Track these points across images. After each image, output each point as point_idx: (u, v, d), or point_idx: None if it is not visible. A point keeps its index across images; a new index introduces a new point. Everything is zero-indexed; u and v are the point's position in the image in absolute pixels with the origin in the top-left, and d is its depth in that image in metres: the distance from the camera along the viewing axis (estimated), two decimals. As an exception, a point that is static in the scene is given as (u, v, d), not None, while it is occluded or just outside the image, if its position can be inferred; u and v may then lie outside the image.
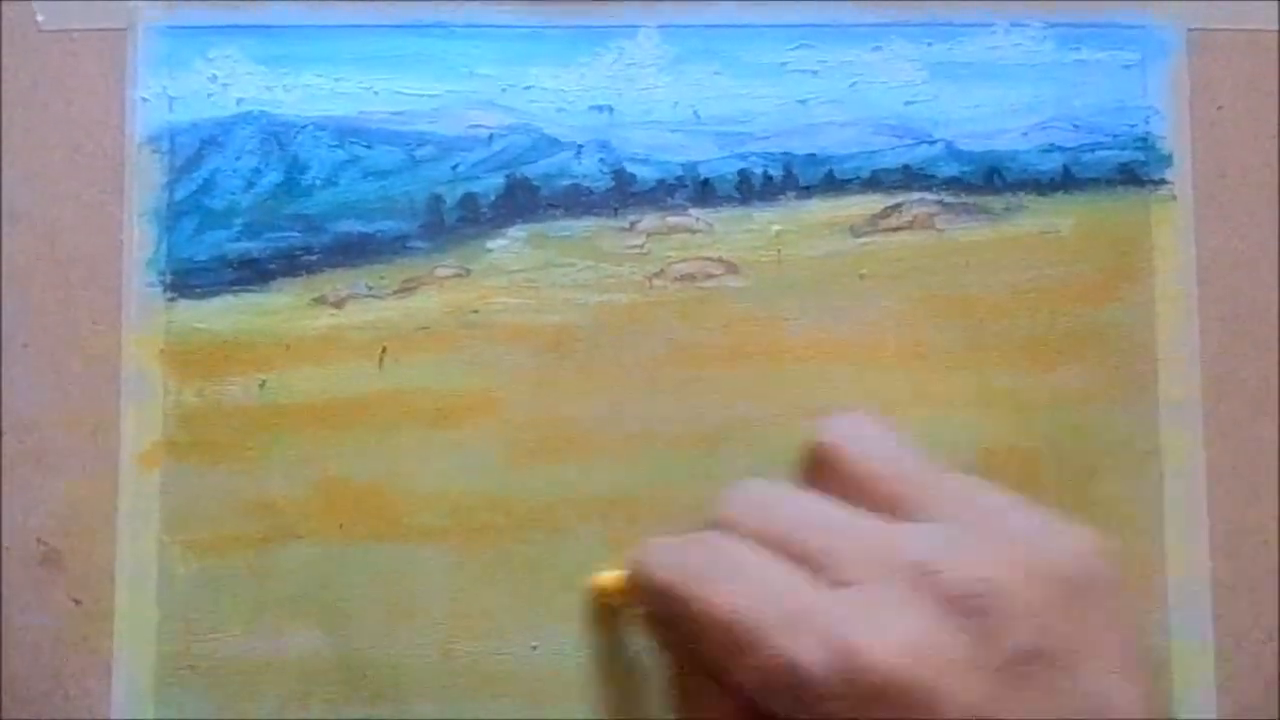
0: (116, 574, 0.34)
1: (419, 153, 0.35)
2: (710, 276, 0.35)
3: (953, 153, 0.36)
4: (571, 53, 0.36)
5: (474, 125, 0.36)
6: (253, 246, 0.35)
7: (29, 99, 0.35)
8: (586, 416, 0.35)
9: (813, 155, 0.35)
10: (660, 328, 0.35)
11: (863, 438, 0.28)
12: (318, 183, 0.35)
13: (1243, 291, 0.35)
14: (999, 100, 0.36)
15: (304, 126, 0.35)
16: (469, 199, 0.35)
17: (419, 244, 0.35)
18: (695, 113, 0.36)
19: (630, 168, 0.35)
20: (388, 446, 0.35)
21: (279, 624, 0.34)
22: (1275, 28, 0.36)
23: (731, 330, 0.35)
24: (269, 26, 0.36)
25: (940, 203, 0.35)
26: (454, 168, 0.35)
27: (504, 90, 0.36)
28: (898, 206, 0.35)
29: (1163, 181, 0.36)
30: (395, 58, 0.36)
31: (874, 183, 0.35)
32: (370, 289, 0.35)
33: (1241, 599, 0.34)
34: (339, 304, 0.35)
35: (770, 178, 0.35)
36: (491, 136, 0.35)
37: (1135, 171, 0.36)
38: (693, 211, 0.35)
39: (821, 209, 0.35)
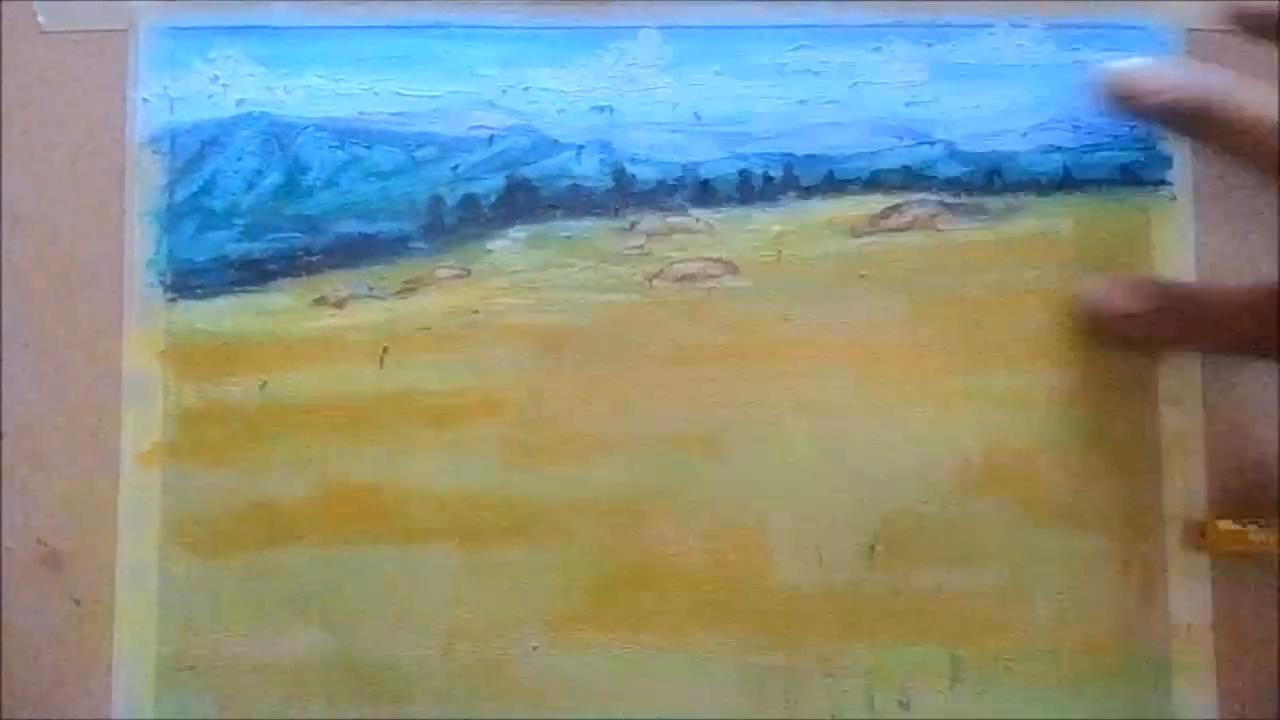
0: (117, 574, 0.34)
1: (419, 153, 0.35)
2: (710, 277, 0.35)
3: (953, 153, 0.36)
4: (572, 53, 0.36)
5: (474, 126, 0.36)
6: (253, 247, 0.35)
7: (30, 100, 0.35)
8: (586, 416, 0.35)
9: (813, 156, 0.36)
10: (660, 328, 0.35)
11: None
12: (318, 183, 0.35)
13: (1243, 292, 0.35)
14: (999, 101, 0.36)
15: (305, 127, 0.35)
16: (469, 200, 0.35)
17: (420, 245, 0.35)
18: (696, 113, 0.36)
19: (631, 168, 0.35)
20: (388, 447, 0.35)
21: (279, 624, 0.34)
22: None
23: (732, 330, 0.35)
24: (270, 27, 0.36)
25: (941, 203, 0.35)
26: (454, 168, 0.35)
27: (504, 91, 0.36)
28: (898, 207, 0.35)
29: (1163, 182, 0.36)
30: (396, 58, 0.36)
31: (874, 183, 0.35)
32: (371, 290, 0.35)
33: (1241, 599, 0.35)
34: (340, 305, 0.35)
35: (771, 178, 0.35)
36: (492, 137, 0.36)
37: (1135, 172, 0.36)
38: (693, 212, 0.35)
39: (822, 210, 0.35)
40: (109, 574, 0.34)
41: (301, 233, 0.35)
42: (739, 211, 0.35)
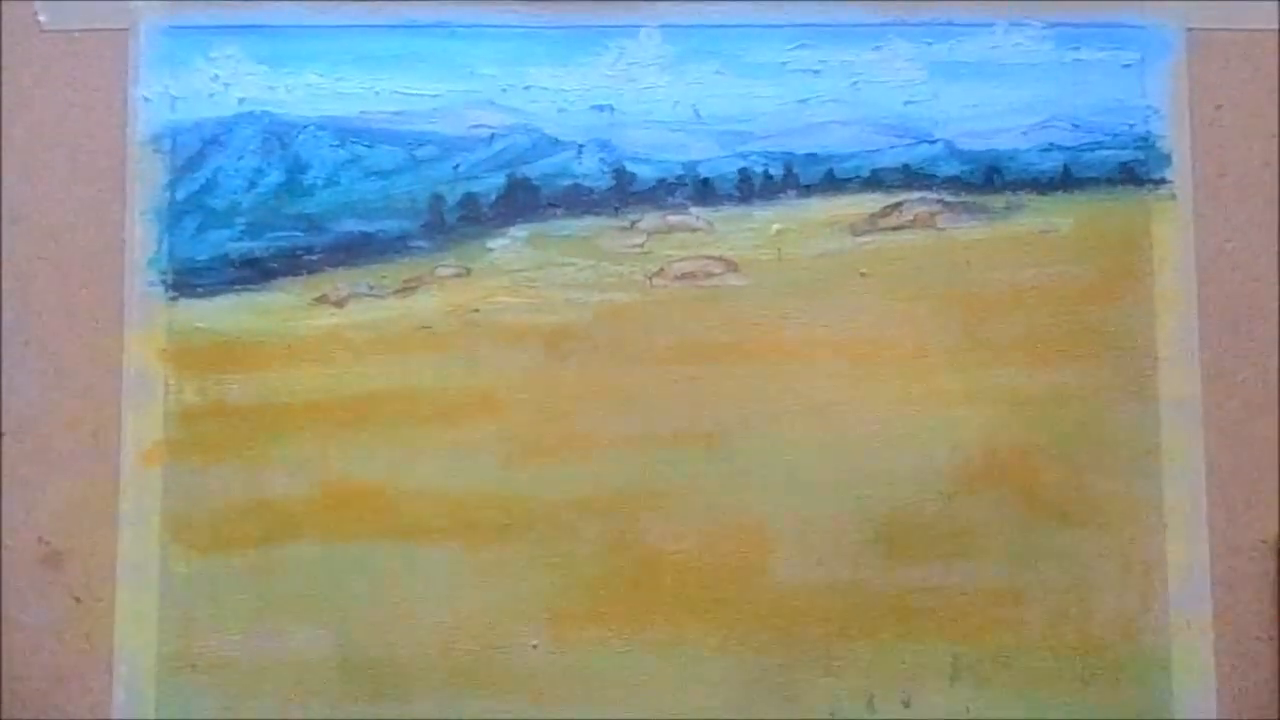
0: (118, 573, 0.34)
1: (420, 152, 0.35)
2: (711, 275, 0.35)
3: (953, 152, 0.36)
4: (572, 52, 0.36)
5: (475, 125, 0.36)
6: (254, 246, 0.35)
7: (31, 98, 0.35)
8: (586, 415, 0.35)
9: (813, 154, 0.36)
10: (661, 326, 0.35)
11: None
12: (319, 182, 0.35)
13: (1242, 290, 0.35)
14: (999, 100, 0.36)
15: (305, 126, 0.36)
16: (470, 199, 0.35)
17: (420, 243, 0.35)
18: (696, 112, 0.36)
19: (631, 167, 0.35)
20: (388, 445, 0.35)
21: (280, 622, 0.34)
22: (1274, 27, 0.36)
23: (732, 328, 0.35)
24: (270, 26, 0.36)
25: (940, 201, 0.35)
26: (455, 167, 0.35)
27: (505, 90, 0.36)
28: (898, 205, 0.35)
29: (1162, 180, 0.36)
30: (396, 58, 0.36)
31: (874, 182, 0.35)
32: (371, 288, 0.35)
33: (1241, 599, 0.34)
34: (340, 303, 0.35)
35: (771, 177, 0.35)
36: (492, 136, 0.36)
37: (1135, 171, 0.36)
38: (693, 210, 0.35)
39: (822, 208, 0.35)
40: (110, 572, 0.34)
41: (302, 231, 0.35)
42: (739, 210, 0.35)
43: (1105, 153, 0.36)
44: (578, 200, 0.35)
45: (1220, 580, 0.35)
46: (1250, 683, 0.34)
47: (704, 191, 0.35)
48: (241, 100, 0.36)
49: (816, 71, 0.36)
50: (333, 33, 0.36)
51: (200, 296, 0.35)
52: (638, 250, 0.35)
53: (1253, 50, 0.36)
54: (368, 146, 0.35)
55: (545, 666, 0.34)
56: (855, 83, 0.36)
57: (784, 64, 0.36)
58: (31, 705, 0.34)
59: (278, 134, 0.35)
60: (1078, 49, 0.36)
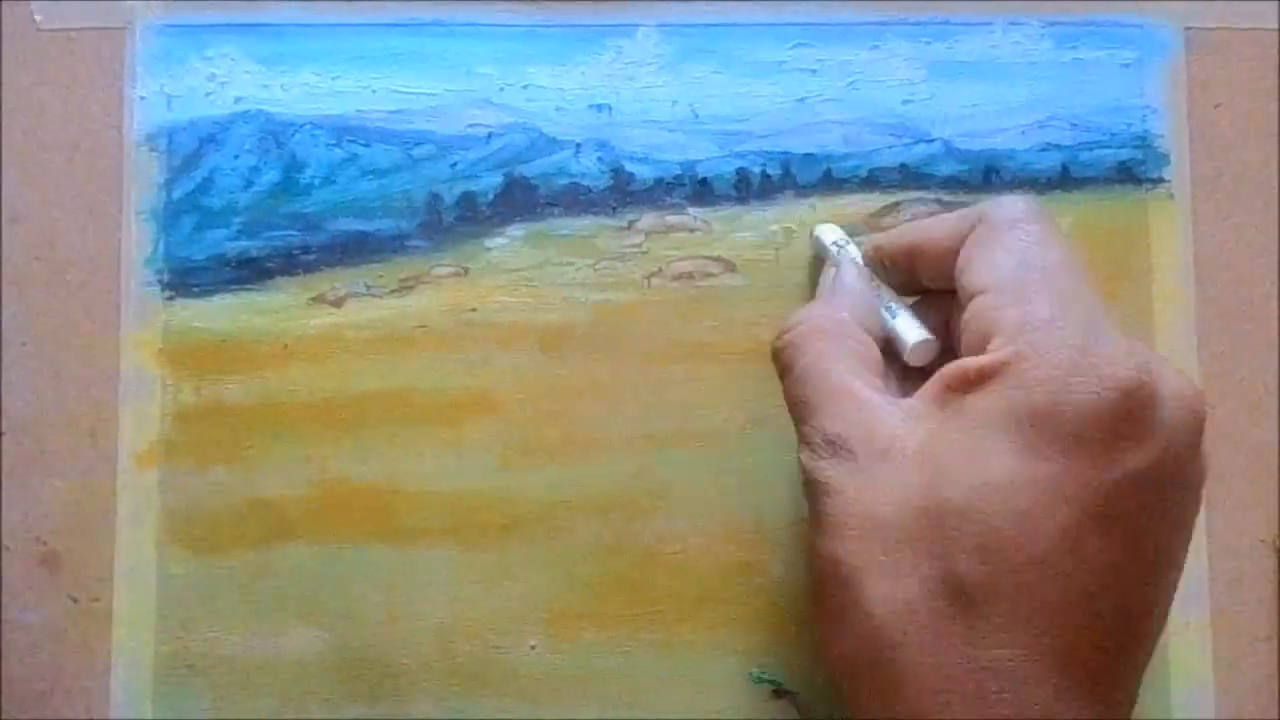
0: (115, 573, 0.34)
1: (417, 151, 0.35)
2: (709, 275, 0.35)
3: (951, 151, 0.36)
4: (570, 51, 0.36)
5: (472, 124, 0.36)
6: (251, 245, 0.35)
7: (27, 98, 0.35)
8: (586, 416, 0.35)
9: (811, 154, 0.36)
10: (659, 326, 0.35)
11: None
12: (316, 181, 0.35)
13: (1241, 290, 0.35)
14: (997, 99, 0.36)
15: (302, 125, 0.35)
16: (467, 198, 0.35)
17: (417, 243, 0.35)
18: (693, 111, 0.36)
19: (629, 166, 0.35)
20: (386, 445, 0.35)
21: (278, 623, 0.34)
22: (1273, 27, 0.36)
23: (730, 329, 0.35)
24: (267, 25, 0.36)
25: (938, 201, 0.35)
26: (452, 166, 0.35)
27: (502, 89, 0.36)
28: (896, 205, 0.35)
29: (1160, 180, 0.36)
30: (393, 56, 0.36)
31: (872, 181, 0.35)
32: (369, 288, 0.35)
33: (1241, 599, 0.35)
34: (337, 303, 0.35)
35: (768, 176, 0.35)
36: (490, 135, 0.35)
37: (1133, 170, 0.36)
38: (691, 210, 0.35)
39: (820, 208, 0.35)
40: (107, 573, 0.34)
41: (299, 231, 0.35)
42: (737, 210, 0.35)
43: (1103, 152, 0.36)
44: (575, 200, 0.35)
45: (1219, 580, 0.35)
46: (1249, 683, 0.34)
47: (702, 191, 0.35)
48: (238, 99, 0.35)
49: (814, 71, 0.36)
50: (329, 32, 0.36)
51: (197, 296, 0.35)
52: (636, 250, 0.35)
53: (1252, 50, 0.36)
54: (364, 145, 0.35)
55: (544, 667, 0.34)
56: (853, 82, 0.36)
57: (782, 63, 0.36)
58: (28, 705, 0.34)
59: (274, 133, 0.35)
60: (1076, 48, 0.36)
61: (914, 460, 0.26)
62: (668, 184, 0.35)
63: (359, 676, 0.34)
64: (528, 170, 0.35)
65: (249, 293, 0.35)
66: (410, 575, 0.34)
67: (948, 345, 0.31)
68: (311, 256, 0.35)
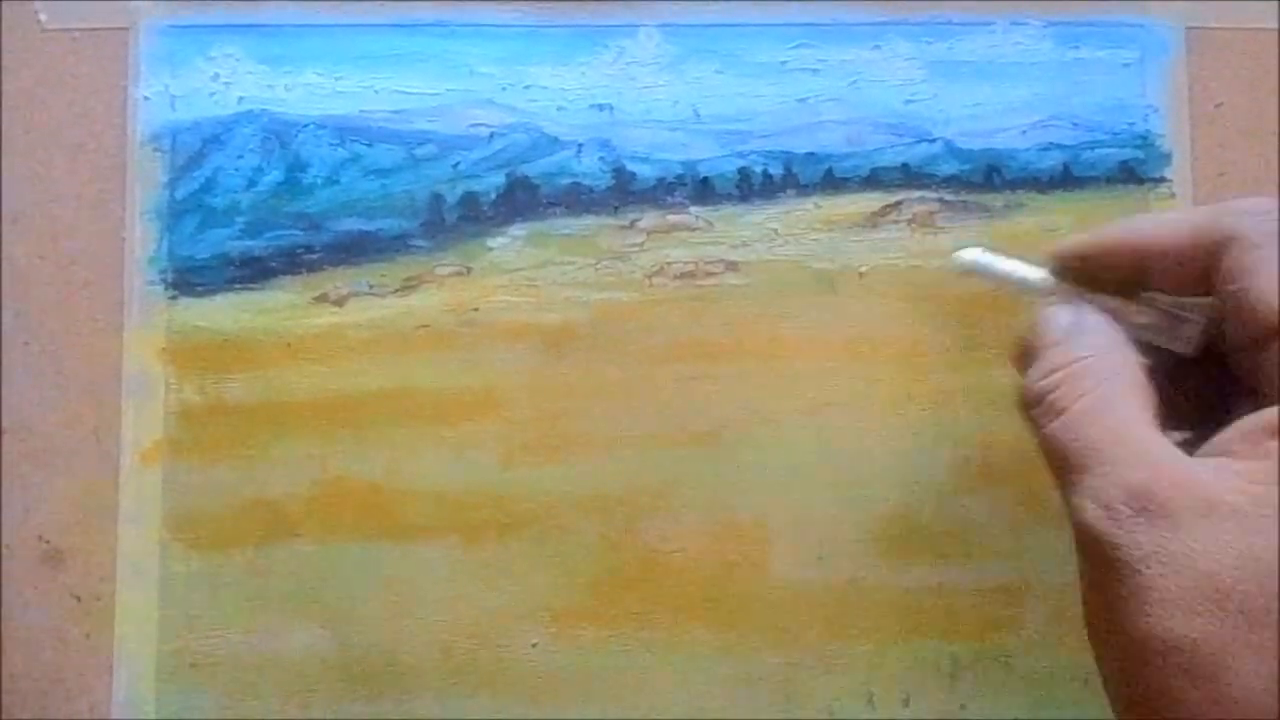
0: (118, 572, 0.34)
1: (419, 151, 0.36)
2: (710, 275, 0.35)
3: (952, 151, 0.36)
4: (572, 51, 0.36)
5: (474, 124, 0.36)
6: (254, 245, 0.35)
7: (31, 98, 0.35)
8: (586, 415, 0.35)
9: (812, 154, 0.36)
10: (660, 326, 0.35)
11: None
12: (319, 181, 0.35)
13: (1242, 290, 0.35)
14: (998, 98, 0.36)
15: (305, 125, 0.36)
16: (469, 197, 0.35)
17: (420, 242, 0.35)
18: (695, 111, 0.36)
19: (630, 166, 0.35)
20: (388, 444, 0.35)
21: (279, 622, 0.34)
22: (1274, 26, 0.36)
23: (731, 328, 0.35)
24: (270, 25, 0.36)
25: (940, 201, 0.35)
26: (454, 166, 0.35)
27: (504, 89, 0.36)
28: (897, 205, 0.35)
29: (1162, 179, 0.36)
30: (396, 57, 0.36)
31: (873, 181, 0.35)
32: (371, 287, 0.35)
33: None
34: (340, 302, 0.35)
35: (770, 176, 0.35)
36: (492, 135, 0.36)
37: (1134, 169, 0.36)
38: (693, 210, 0.35)
39: (821, 207, 0.35)
40: (110, 571, 0.34)
41: (302, 230, 0.35)
42: (738, 209, 0.35)
43: (1105, 151, 0.36)
44: (577, 199, 0.35)
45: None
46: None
47: (703, 191, 0.35)
48: (241, 99, 0.36)
49: (815, 70, 0.36)
50: (332, 32, 0.36)
51: (200, 295, 0.35)
52: (637, 249, 0.35)
53: (1252, 49, 0.36)
54: (367, 145, 0.35)
55: (545, 666, 0.34)
56: (854, 82, 0.36)
57: (783, 63, 0.36)
58: (31, 704, 0.34)
59: (277, 133, 0.35)
60: (1077, 48, 0.36)
61: (1250, 518, 0.23)
62: (669, 183, 0.35)
63: (360, 674, 0.34)
64: (529, 170, 0.35)
65: (252, 292, 0.35)
66: (411, 574, 0.34)
67: (1204, 356, 0.28)
68: (314, 256, 0.35)
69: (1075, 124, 0.36)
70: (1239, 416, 0.24)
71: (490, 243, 0.35)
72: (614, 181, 0.35)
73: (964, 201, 0.35)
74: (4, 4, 0.36)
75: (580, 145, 0.35)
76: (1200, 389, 0.28)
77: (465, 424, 0.35)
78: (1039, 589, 0.34)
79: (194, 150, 0.35)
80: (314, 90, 0.36)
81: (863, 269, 0.35)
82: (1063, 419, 0.26)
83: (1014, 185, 0.35)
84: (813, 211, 0.35)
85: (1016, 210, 0.35)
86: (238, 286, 0.35)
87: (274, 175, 0.35)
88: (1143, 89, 0.36)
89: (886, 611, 0.34)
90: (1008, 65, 0.36)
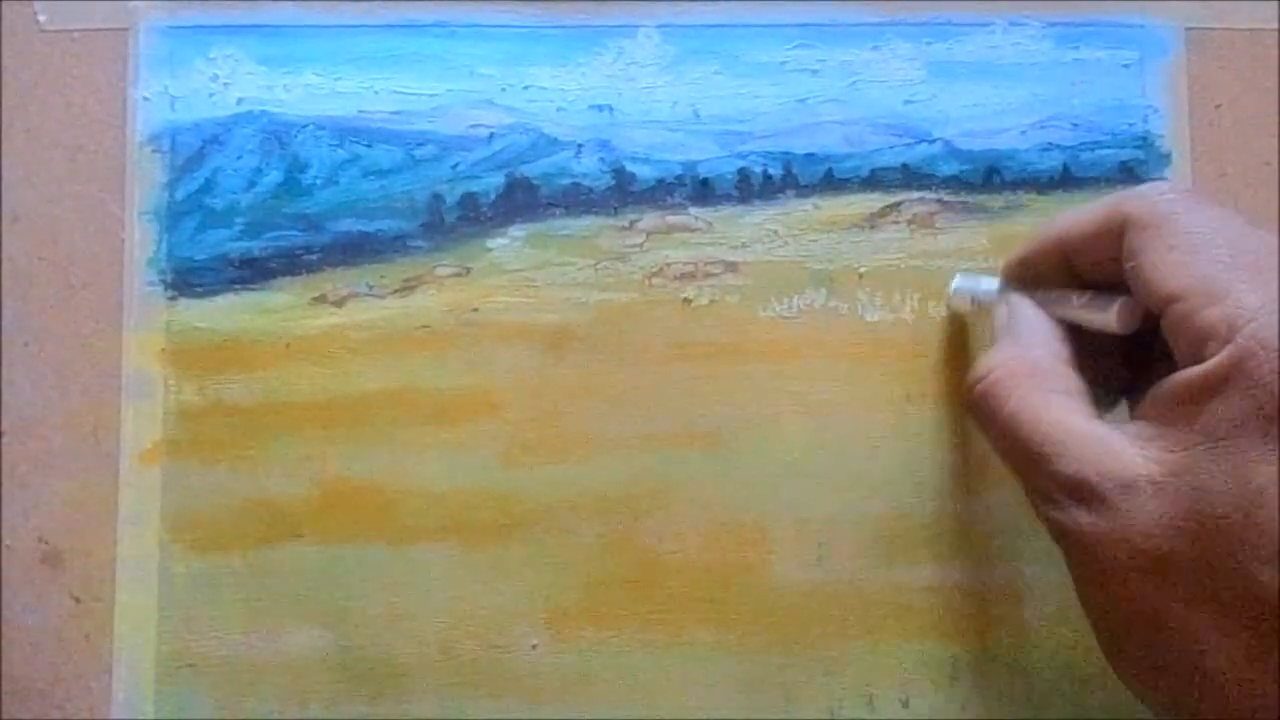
0: (117, 573, 0.34)
1: (419, 152, 0.36)
2: (710, 275, 0.35)
3: (952, 151, 0.36)
4: (571, 52, 0.36)
5: (474, 125, 0.36)
6: (253, 245, 0.35)
7: (30, 98, 0.35)
8: (586, 416, 0.35)
9: (812, 154, 0.36)
10: (660, 326, 0.35)
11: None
12: (318, 182, 0.35)
13: (1242, 290, 0.35)
14: (998, 99, 0.36)
15: (304, 126, 0.36)
16: (469, 198, 0.35)
17: (419, 243, 0.35)
18: (695, 112, 0.36)
19: (630, 167, 0.35)
20: (387, 445, 0.35)
21: (279, 623, 0.34)
22: (1274, 26, 0.36)
23: (731, 329, 0.35)
24: (269, 26, 0.36)
25: (939, 201, 0.35)
26: (454, 167, 0.35)
27: (504, 90, 0.36)
28: (897, 205, 0.35)
29: (1161, 180, 0.36)
30: (395, 57, 0.36)
31: (873, 182, 0.35)
32: (370, 288, 0.35)
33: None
34: (339, 303, 0.35)
35: (770, 177, 0.35)
36: (491, 136, 0.36)
37: (1134, 170, 0.36)
38: (692, 210, 0.35)
39: (821, 208, 0.35)
40: (109, 572, 0.34)
41: (301, 231, 0.35)
42: (738, 210, 0.35)
43: (1104, 152, 0.36)
44: (577, 200, 0.35)
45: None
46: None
47: (703, 191, 0.35)
48: (240, 100, 0.36)
49: (815, 71, 0.36)
50: (331, 33, 0.36)
51: (199, 296, 0.35)
52: (637, 250, 0.35)
53: (1252, 50, 0.36)
54: (366, 146, 0.35)
55: (545, 666, 0.34)
56: (854, 82, 0.36)
57: (783, 64, 0.36)
58: (30, 704, 0.34)
59: (277, 134, 0.35)
60: (1077, 48, 0.36)
61: (1167, 486, 0.25)
62: (669, 184, 0.35)
63: (360, 675, 0.34)
64: (529, 170, 0.35)
65: (251, 293, 0.35)
66: (411, 575, 0.34)
67: (1135, 348, 0.30)
68: (313, 257, 0.35)
69: (1075, 124, 0.36)
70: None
71: (490, 243, 0.35)
72: (613, 182, 0.35)
73: (963, 202, 0.35)
74: (3, 4, 0.36)
75: (580, 146, 0.35)
76: (1152, 360, 0.29)
77: (465, 424, 0.35)
78: (1039, 589, 0.34)
79: (193, 151, 0.35)
80: (313, 91, 0.36)
81: (862, 269, 0.35)
82: (998, 425, 0.28)
83: (1014, 186, 0.35)
84: (812, 212, 0.35)
85: (1016, 211, 0.35)
86: (237, 287, 0.35)
87: (273, 176, 0.35)
88: (1142, 89, 0.36)
89: (886, 612, 0.34)
90: (1007, 66, 0.36)
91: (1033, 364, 0.29)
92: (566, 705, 0.34)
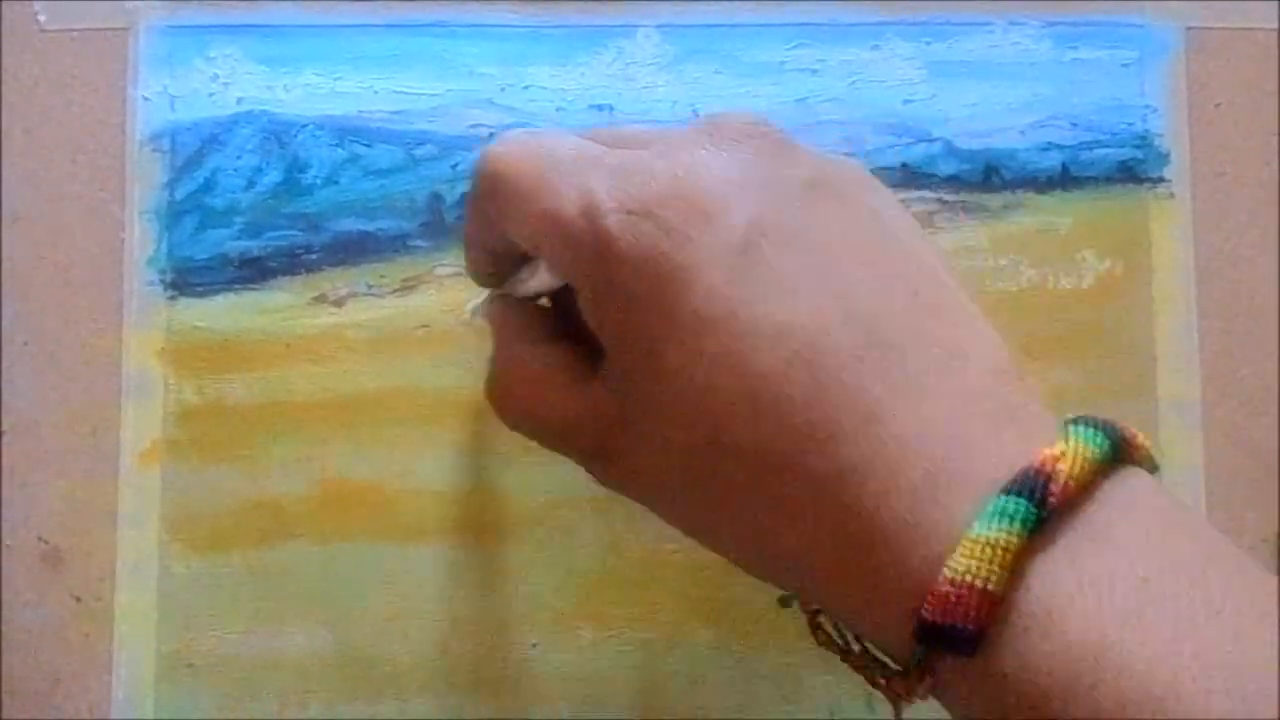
0: (117, 572, 0.34)
1: (419, 151, 0.36)
2: (709, 275, 0.35)
3: (951, 151, 0.36)
4: (571, 52, 0.36)
5: (474, 124, 0.36)
6: (253, 245, 0.35)
7: (30, 98, 0.35)
8: (586, 415, 0.35)
9: (812, 154, 0.36)
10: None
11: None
12: (318, 181, 0.35)
13: (1242, 289, 0.35)
14: (997, 98, 0.36)
15: (304, 125, 0.36)
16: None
17: (419, 243, 0.35)
18: (694, 112, 0.36)
19: (630, 166, 0.35)
20: (387, 444, 0.35)
21: (279, 622, 0.34)
22: (1274, 26, 0.36)
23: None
24: (269, 26, 0.36)
25: (939, 201, 0.36)
26: (454, 166, 0.35)
27: (503, 89, 0.36)
28: (896, 205, 0.35)
29: (1161, 180, 0.36)
30: (395, 57, 0.36)
31: (873, 181, 0.35)
32: (370, 288, 0.35)
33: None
34: (339, 303, 0.35)
35: (769, 176, 0.35)
36: (491, 135, 0.36)
37: (1134, 169, 0.36)
38: (692, 210, 0.35)
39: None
40: (109, 571, 0.34)
41: (301, 231, 0.35)
42: (738, 209, 0.35)
43: (1104, 151, 0.36)
44: (576, 199, 0.35)
45: (1220, 579, 0.34)
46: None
47: (703, 191, 0.35)
48: (240, 100, 0.36)
49: (814, 71, 0.36)
50: (331, 32, 0.36)
51: (199, 296, 0.35)
52: (636, 249, 0.35)
53: (1252, 49, 0.36)
54: (366, 146, 0.35)
55: (544, 667, 0.34)
56: (853, 82, 0.36)
57: (782, 63, 0.36)
58: (30, 704, 0.34)
59: (276, 133, 0.36)
60: (1076, 48, 0.36)
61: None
62: (669, 184, 0.35)
63: (360, 675, 0.34)
64: (529, 170, 0.35)
65: (251, 292, 0.35)
66: (411, 574, 0.34)
67: None
68: (313, 256, 0.35)
69: (1074, 124, 0.36)
70: None
71: (489, 243, 0.35)
72: (613, 182, 0.35)
73: (963, 201, 0.35)
74: (3, 4, 0.36)
75: (580, 145, 0.35)
76: None
77: (465, 424, 0.35)
78: (1038, 589, 0.34)
79: (193, 151, 0.35)
80: (313, 91, 0.36)
81: (862, 269, 0.35)
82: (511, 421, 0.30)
83: (1013, 185, 0.35)
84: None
85: (1015, 210, 0.35)
86: (237, 287, 0.35)
87: (273, 176, 0.35)
88: (1142, 89, 0.36)
89: (886, 611, 0.34)
90: (1007, 65, 0.36)
91: (508, 353, 0.30)
92: (566, 705, 0.34)
